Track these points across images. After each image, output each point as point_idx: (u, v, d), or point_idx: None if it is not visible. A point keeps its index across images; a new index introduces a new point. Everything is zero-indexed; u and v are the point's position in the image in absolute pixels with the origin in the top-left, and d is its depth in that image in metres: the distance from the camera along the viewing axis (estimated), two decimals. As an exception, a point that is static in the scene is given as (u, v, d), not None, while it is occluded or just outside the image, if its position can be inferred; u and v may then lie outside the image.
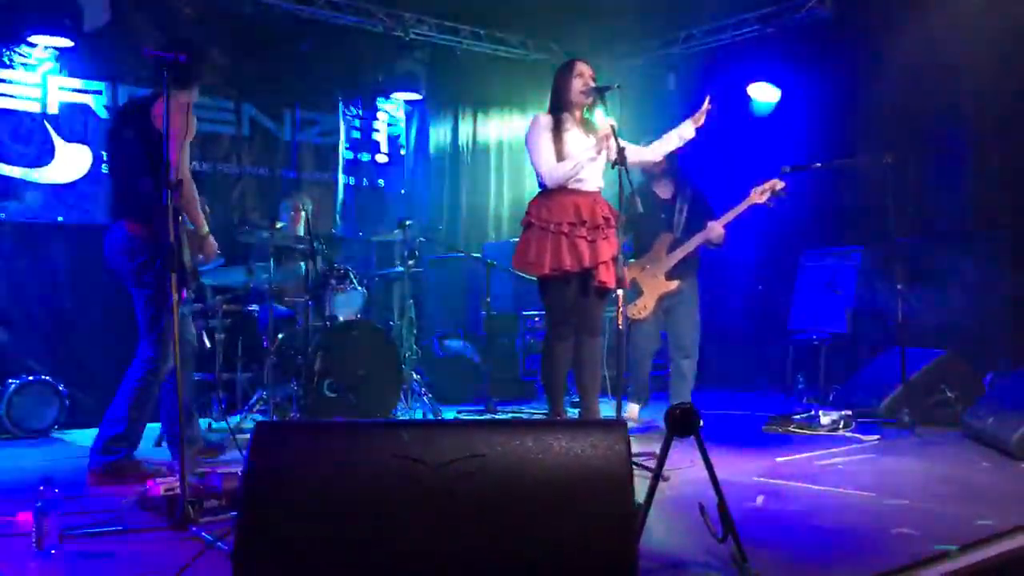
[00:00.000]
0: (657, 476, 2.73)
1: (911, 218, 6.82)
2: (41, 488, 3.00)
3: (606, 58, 8.20)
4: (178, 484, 3.34)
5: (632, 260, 5.90)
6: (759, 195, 5.63)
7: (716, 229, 5.69)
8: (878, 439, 5.26)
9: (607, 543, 2.34)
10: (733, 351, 8.01)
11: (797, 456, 4.77)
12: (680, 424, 2.67)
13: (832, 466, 4.55)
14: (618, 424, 2.51)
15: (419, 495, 2.38)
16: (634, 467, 3.99)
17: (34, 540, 2.99)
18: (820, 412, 5.63)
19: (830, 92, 7.55)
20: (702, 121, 4.95)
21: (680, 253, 5.78)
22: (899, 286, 5.61)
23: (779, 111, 7.69)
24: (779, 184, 5.59)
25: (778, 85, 7.59)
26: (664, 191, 5.98)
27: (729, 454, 4.81)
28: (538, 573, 2.33)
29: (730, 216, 5.71)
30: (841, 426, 5.54)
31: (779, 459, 4.68)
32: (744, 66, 7.81)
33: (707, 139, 7.86)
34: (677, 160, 5.77)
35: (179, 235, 3.56)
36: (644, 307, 5.84)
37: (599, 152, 4.68)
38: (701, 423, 2.67)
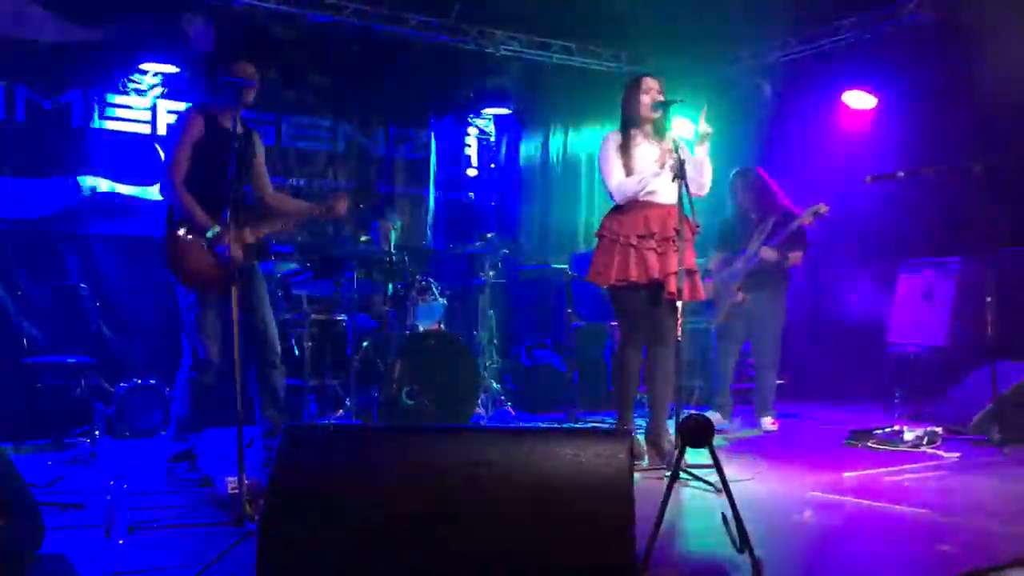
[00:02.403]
0: (671, 485, 2.78)
1: (1013, 228, 6.53)
2: (111, 483, 3.28)
3: (699, 70, 8.18)
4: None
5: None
6: (806, 217, 5.90)
7: (765, 251, 6.02)
8: (959, 456, 5.07)
9: (605, 549, 2.41)
10: (829, 364, 7.85)
11: (866, 472, 4.66)
12: (693, 436, 2.71)
13: (899, 483, 4.44)
14: (621, 435, 2.58)
15: (427, 499, 2.52)
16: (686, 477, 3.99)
17: (104, 531, 3.27)
18: (905, 428, 5.49)
19: (930, 98, 7.30)
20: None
21: (744, 267, 6.13)
22: (988, 298, 5.43)
23: (877, 118, 7.52)
24: (822, 208, 5.87)
25: (876, 92, 7.43)
26: (754, 213, 6.26)
27: (799, 467, 4.79)
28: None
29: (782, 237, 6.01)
30: (924, 442, 5.37)
31: (846, 474, 4.59)
32: (840, 73, 7.67)
33: (803, 148, 7.87)
34: (758, 187, 6.18)
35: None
36: (717, 315, 6.30)
37: (662, 166, 4.68)
38: (715, 435, 2.71)
